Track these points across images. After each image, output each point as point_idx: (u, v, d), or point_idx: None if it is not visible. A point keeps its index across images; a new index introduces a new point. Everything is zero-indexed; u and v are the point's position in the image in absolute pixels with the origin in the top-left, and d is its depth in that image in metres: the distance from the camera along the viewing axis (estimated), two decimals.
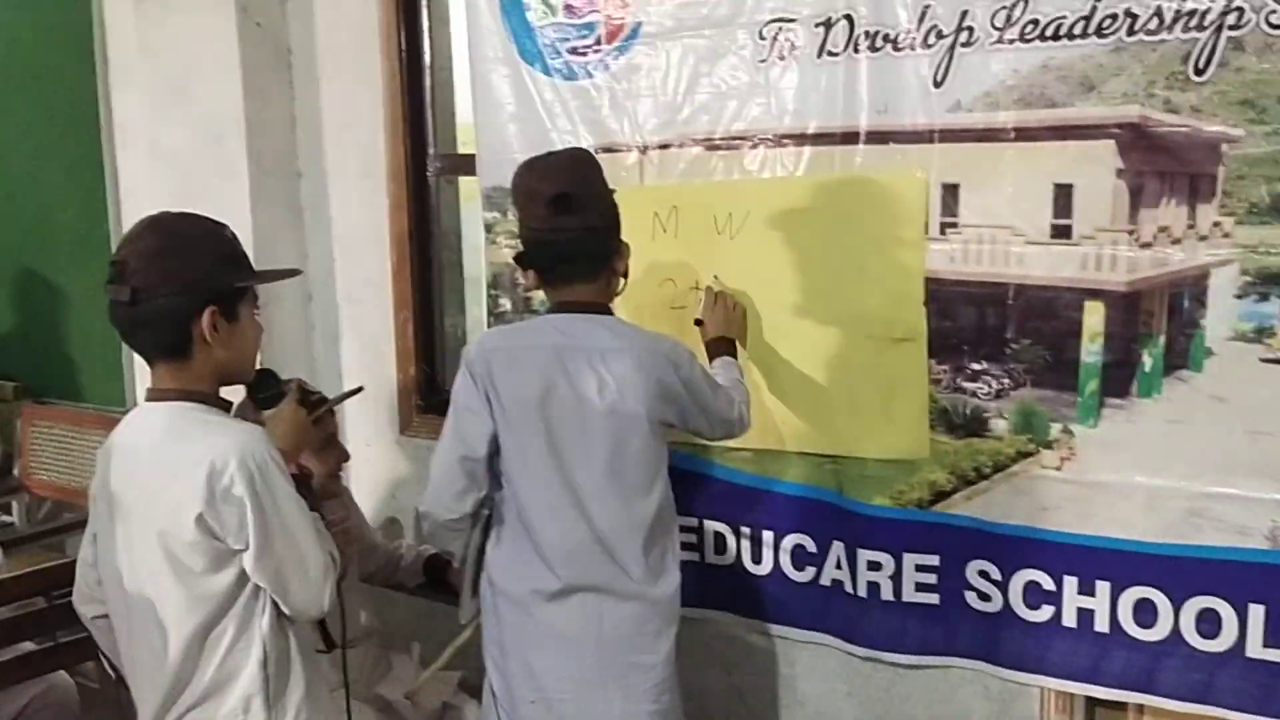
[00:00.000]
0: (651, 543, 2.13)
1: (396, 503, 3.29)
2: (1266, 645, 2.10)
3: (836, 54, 2.33)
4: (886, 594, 2.46)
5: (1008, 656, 2.38)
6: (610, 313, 2.17)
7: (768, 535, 2.60)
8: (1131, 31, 2.04)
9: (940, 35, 2.21)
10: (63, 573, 2.46)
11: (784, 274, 2.45)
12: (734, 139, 2.49)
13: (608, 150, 2.60)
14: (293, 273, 2.19)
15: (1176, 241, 2.09)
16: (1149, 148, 2.08)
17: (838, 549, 2.52)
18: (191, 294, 1.80)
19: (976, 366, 2.30)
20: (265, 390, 2.05)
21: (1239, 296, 2.05)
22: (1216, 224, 2.05)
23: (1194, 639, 2.17)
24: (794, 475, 2.55)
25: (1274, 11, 1.93)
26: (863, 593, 2.49)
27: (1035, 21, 2.12)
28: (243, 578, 1.80)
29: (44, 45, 3.81)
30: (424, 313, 3.22)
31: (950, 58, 2.21)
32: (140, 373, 3.54)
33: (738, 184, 2.50)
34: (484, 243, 2.92)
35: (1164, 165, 2.07)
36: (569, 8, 2.64)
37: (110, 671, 2.16)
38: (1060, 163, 2.16)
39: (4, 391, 4.11)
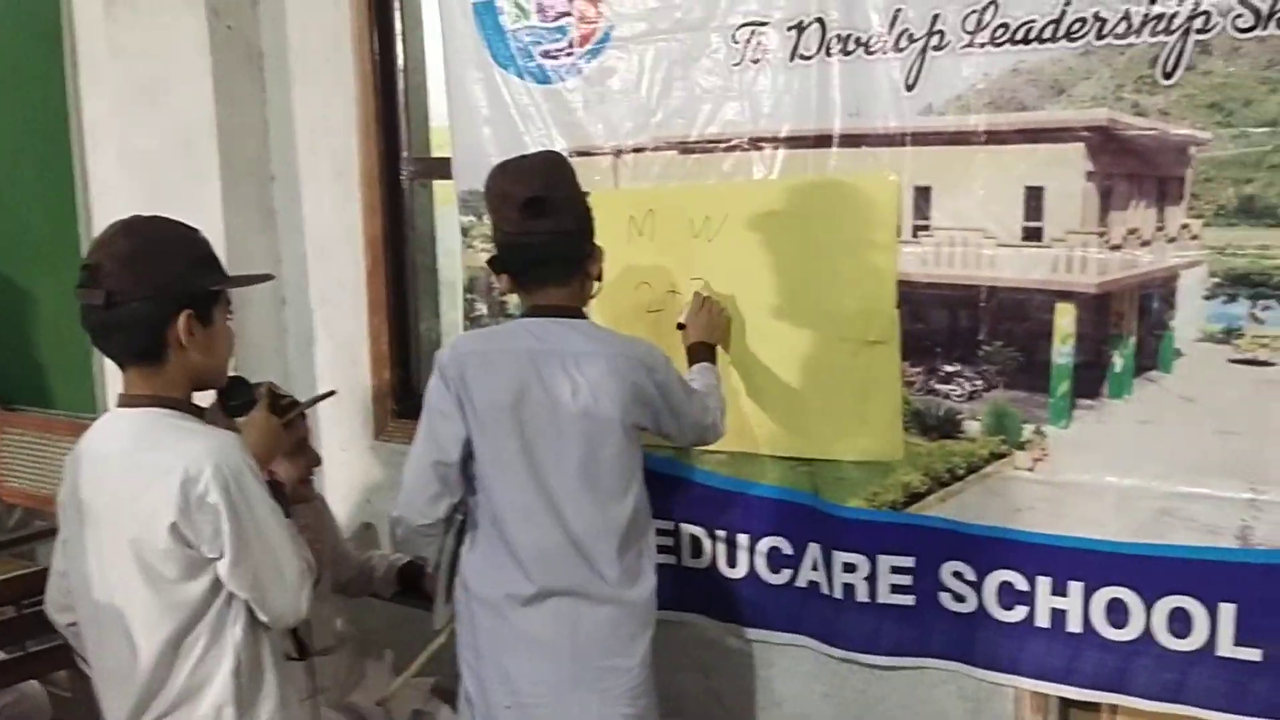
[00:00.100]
0: (626, 546, 2.13)
1: (371, 508, 3.27)
2: (1237, 644, 2.12)
3: (809, 57, 2.34)
4: (862, 595, 2.47)
5: (982, 657, 2.39)
6: (584, 316, 2.16)
7: (743, 538, 2.61)
8: (1100, 35, 2.06)
9: (911, 39, 2.22)
10: (33, 581, 2.44)
11: (759, 277, 2.46)
12: (708, 142, 2.49)
13: (582, 154, 2.60)
14: (266, 277, 2.19)
15: (1146, 243, 2.11)
16: (1118, 151, 2.10)
17: (813, 551, 2.53)
18: (166, 297, 1.78)
19: (949, 368, 2.31)
20: (237, 398, 2.04)
21: (1207, 298, 2.07)
22: (1185, 226, 2.07)
23: (1165, 638, 2.19)
24: (769, 478, 2.55)
25: (1240, 15, 1.95)
26: (838, 594, 2.50)
27: (1005, 25, 2.13)
28: (216, 586, 1.79)
29: (13, 48, 3.76)
30: (398, 317, 3.20)
31: (921, 61, 2.22)
32: (111, 378, 3.51)
33: (713, 187, 2.51)
34: (459, 246, 2.92)
35: (1133, 168, 2.09)
36: (542, 11, 2.63)
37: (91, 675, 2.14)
38: (1031, 165, 2.17)
39: None
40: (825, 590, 2.52)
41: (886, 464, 2.40)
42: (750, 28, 2.39)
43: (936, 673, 2.47)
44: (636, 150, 2.58)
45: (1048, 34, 2.10)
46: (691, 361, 2.38)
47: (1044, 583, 2.29)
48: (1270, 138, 1.97)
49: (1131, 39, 2.04)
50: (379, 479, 3.25)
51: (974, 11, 2.15)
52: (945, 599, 2.40)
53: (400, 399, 3.22)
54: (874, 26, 2.25)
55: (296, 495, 2.50)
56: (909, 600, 2.44)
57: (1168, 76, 2.02)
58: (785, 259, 2.43)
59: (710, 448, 2.46)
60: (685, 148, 2.52)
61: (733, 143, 2.46)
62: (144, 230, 1.83)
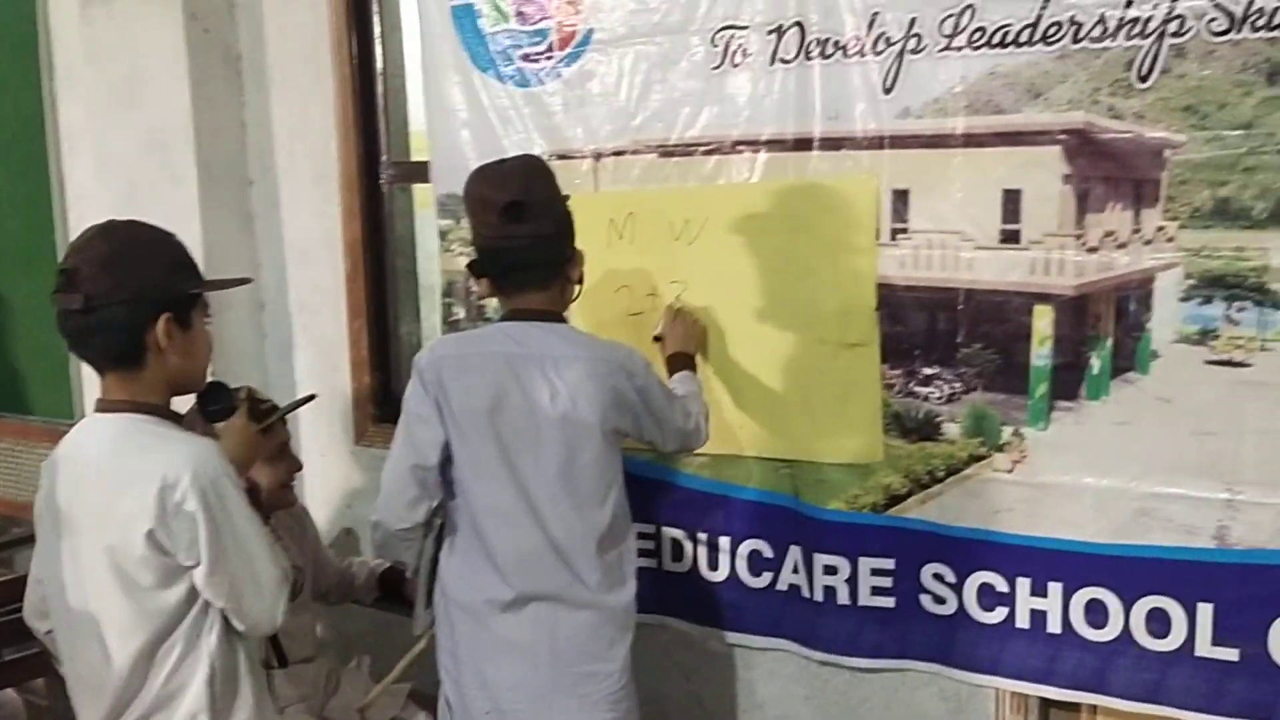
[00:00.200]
0: (606, 551, 2.13)
1: (352, 513, 3.26)
2: (1215, 644, 2.13)
3: (789, 61, 2.34)
4: (843, 598, 2.47)
5: (963, 658, 2.40)
6: (564, 321, 2.16)
7: (725, 541, 2.61)
8: (1076, 39, 2.07)
9: (889, 42, 2.22)
10: (10, 589, 2.42)
11: (739, 280, 2.46)
12: (688, 145, 2.49)
13: (562, 157, 2.60)
14: (244, 280, 2.19)
15: (1122, 246, 2.12)
16: (1094, 153, 2.10)
17: (794, 554, 2.53)
18: (145, 301, 1.77)
19: (928, 371, 2.32)
20: (216, 403, 2.03)
21: (1183, 299, 2.08)
22: (1161, 228, 2.08)
23: (1144, 639, 2.19)
24: (751, 480, 2.55)
25: (1215, 19, 1.96)
26: (819, 597, 2.50)
27: (982, 29, 2.14)
28: (192, 594, 1.77)
29: None
30: (378, 321, 3.19)
31: (899, 64, 2.22)
32: (89, 384, 3.48)
33: (694, 191, 2.51)
34: (438, 250, 2.91)
35: (1109, 171, 2.10)
36: (521, 14, 2.63)
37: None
38: (1008, 168, 2.18)
39: None
40: (806, 593, 2.52)
41: (867, 466, 2.40)
42: (729, 31, 2.39)
43: (918, 674, 2.47)
44: (616, 154, 2.58)
45: (1024, 37, 2.11)
46: (671, 372, 2.38)
47: (1024, 584, 2.29)
48: (1244, 140, 1.98)
49: (1107, 42, 2.05)
50: (359, 484, 3.23)
51: (951, 15, 2.16)
52: (926, 601, 2.40)
53: (380, 403, 3.20)
54: (851, 30, 2.26)
55: (278, 501, 2.50)
56: (890, 602, 2.44)
57: (1143, 80, 2.04)
58: (765, 262, 2.44)
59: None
60: (665, 151, 2.52)
61: (713, 146, 2.46)
62: (121, 234, 1.82)
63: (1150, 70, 2.02)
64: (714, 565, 2.64)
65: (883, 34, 2.23)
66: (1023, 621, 2.31)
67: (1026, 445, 2.25)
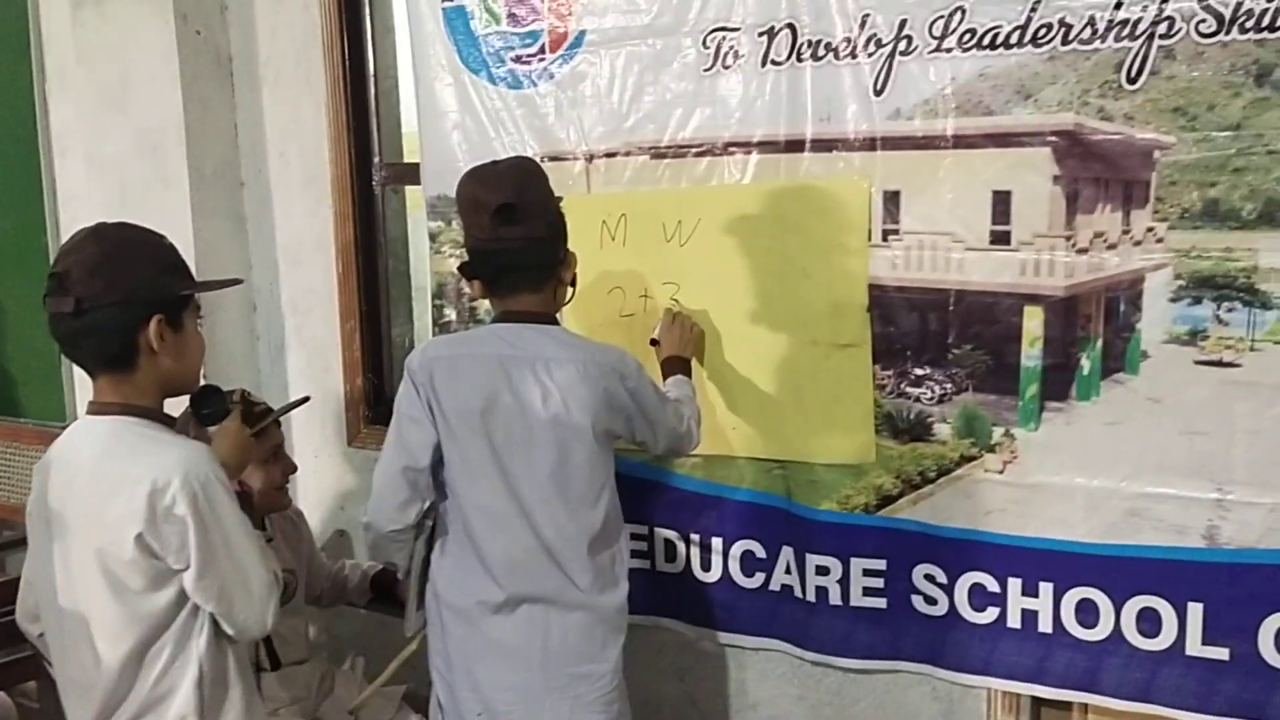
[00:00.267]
0: (598, 552, 2.13)
1: (345, 515, 3.26)
2: (1205, 643, 2.14)
3: (780, 62, 2.35)
4: (835, 598, 2.47)
5: (954, 658, 2.40)
6: (556, 322, 2.16)
7: (717, 542, 2.61)
8: (1066, 41, 2.08)
9: (880, 44, 2.23)
10: (0, 592, 2.41)
11: (731, 281, 2.46)
12: (680, 147, 2.50)
13: (554, 159, 2.60)
14: (235, 281, 2.19)
15: (1112, 247, 2.12)
16: (1084, 155, 2.11)
17: (786, 554, 2.53)
18: (136, 303, 1.77)
19: (920, 372, 2.32)
20: (209, 406, 2.03)
21: (1173, 300, 2.09)
22: (1150, 229, 2.09)
23: (1135, 638, 2.20)
24: (743, 481, 2.56)
25: (1204, 21, 1.97)
26: (811, 597, 2.50)
27: (972, 31, 2.15)
28: (181, 597, 1.77)
29: None
30: (370, 323, 3.19)
31: (890, 66, 2.23)
32: (81, 387, 3.48)
33: (686, 192, 2.51)
34: (429, 252, 2.91)
35: (1099, 172, 2.11)
36: (513, 16, 2.63)
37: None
38: (998, 170, 2.19)
39: None
40: (798, 593, 2.52)
41: (859, 467, 2.41)
42: (721, 33, 2.40)
43: (909, 675, 2.48)
44: (608, 155, 2.58)
45: (1014, 39, 2.11)
46: (666, 375, 2.38)
47: (1015, 584, 2.30)
48: (1233, 141, 2.00)
49: (1097, 44, 2.06)
50: (352, 486, 3.23)
51: (941, 17, 2.17)
52: (917, 601, 2.41)
53: (373, 405, 3.20)
54: (842, 32, 2.26)
55: (272, 504, 2.49)
56: (881, 603, 2.44)
57: (1132, 81, 2.04)
58: (757, 263, 2.44)
59: None
60: (657, 152, 2.52)
61: (705, 147, 2.47)
62: (112, 236, 1.82)
63: (1139, 72, 2.03)
64: (707, 566, 2.64)
65: (873, 36, 2.23)
66: (1014, 621, 2.32)
67: (1017, 446, 2.26)
